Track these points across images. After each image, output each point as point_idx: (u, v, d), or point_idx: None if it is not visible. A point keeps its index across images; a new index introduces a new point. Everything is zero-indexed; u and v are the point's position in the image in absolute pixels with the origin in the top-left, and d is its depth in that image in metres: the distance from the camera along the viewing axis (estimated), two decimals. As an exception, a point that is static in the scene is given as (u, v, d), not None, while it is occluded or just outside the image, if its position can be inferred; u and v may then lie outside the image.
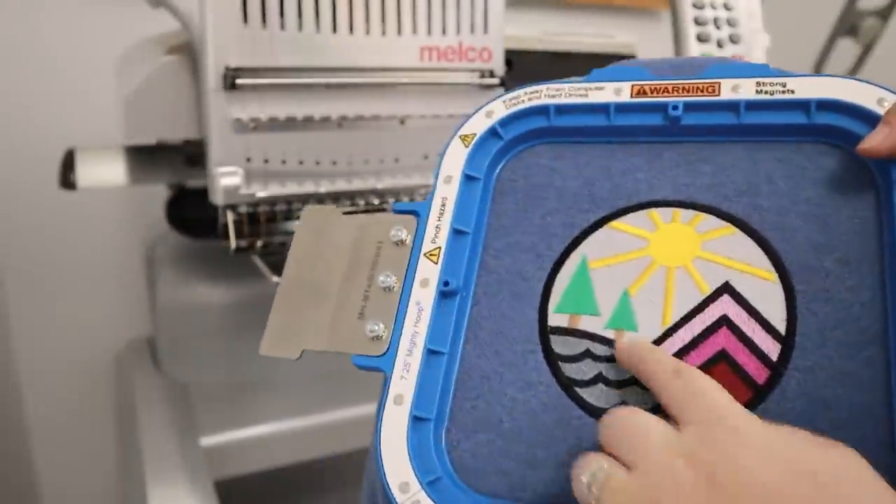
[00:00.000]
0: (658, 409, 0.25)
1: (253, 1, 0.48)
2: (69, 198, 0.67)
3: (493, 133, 0.32)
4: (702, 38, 0.65)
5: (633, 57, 0.68)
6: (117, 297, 0.88)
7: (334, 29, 0.50)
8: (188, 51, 0.50)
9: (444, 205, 0.31)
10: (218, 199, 0.50)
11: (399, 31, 0.52)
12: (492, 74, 0.56)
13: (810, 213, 0.27)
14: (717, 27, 0.66)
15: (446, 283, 0.29)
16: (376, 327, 0.28)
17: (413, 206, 0.31)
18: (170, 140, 0.58)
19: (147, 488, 0.51)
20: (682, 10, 0.65)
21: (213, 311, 0.68)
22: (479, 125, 0.32)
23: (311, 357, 0.29)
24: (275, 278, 0.54)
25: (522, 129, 0.32)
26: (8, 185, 0.80)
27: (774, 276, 0.26)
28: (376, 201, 0.56)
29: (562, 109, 0.32)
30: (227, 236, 0.52)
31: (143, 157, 0.59)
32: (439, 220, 0.30)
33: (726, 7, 0.67)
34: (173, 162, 0.60)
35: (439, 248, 0.30)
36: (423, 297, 0.29)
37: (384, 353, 0.28)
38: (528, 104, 0.32)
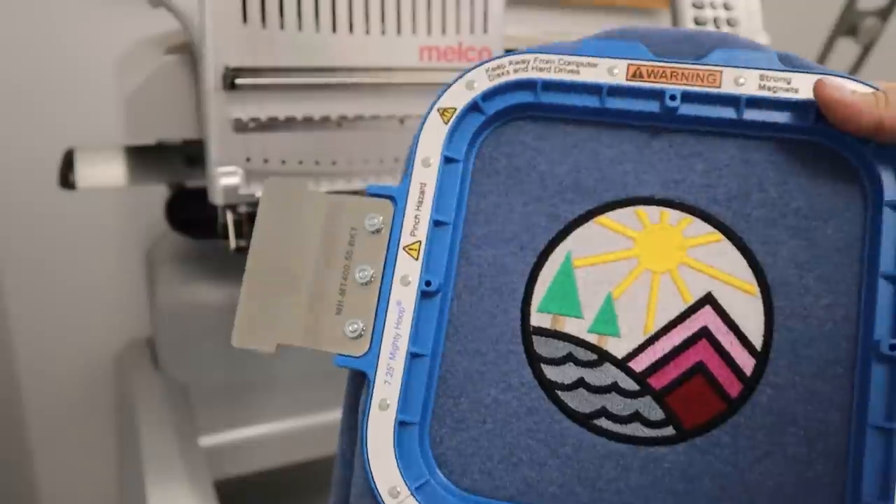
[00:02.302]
0: (634, 417, 0.26)
1: (252, 1, 0.48)
2: (69, 198, 0.67)
3: (474, 107, 0.30)
4: (702, 38, 0.65)
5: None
6: (117, 297, 0.88)
7: (334, 29, 0.50)
8: (188, 51, 0.50)
9: (422, 192, 0.29)
10: (217, 199, 0.50)
11: (399, 31, 0.52)
12: (492, 74, 0.56)
13: (797, 227, 0.27)
14: (717, 27, 0.66)
15: (428, 283, 0.28)
16: (356, 326, 0.28)
17: (389, 189, 0.29)
18: (169, 140, 0.58)
19: (147, 488, 0.51)
20: (681, 10, 0.65)
21: (213, 311, 0.68)
22: (459, 98, 0.30)
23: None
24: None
25: (506, 104, 0.30)
26: (8, 185, 0.79)
27: (756, 289, 0.26)
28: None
29: (550, 86, 0.29)
30: (226, 236, 0.52)
31: (143, 158, 0.59)
32: (418, 210, 0.29)
33: (726, 7, 0.67)
34: (173, 162, 0.60)
35: (419, 241, 0.28)
36: (404, 296, 0.28)
37: (365, 354, 0.27)
38: (513, 77, 0.30)
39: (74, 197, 0.66)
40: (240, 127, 0.49)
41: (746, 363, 0.26)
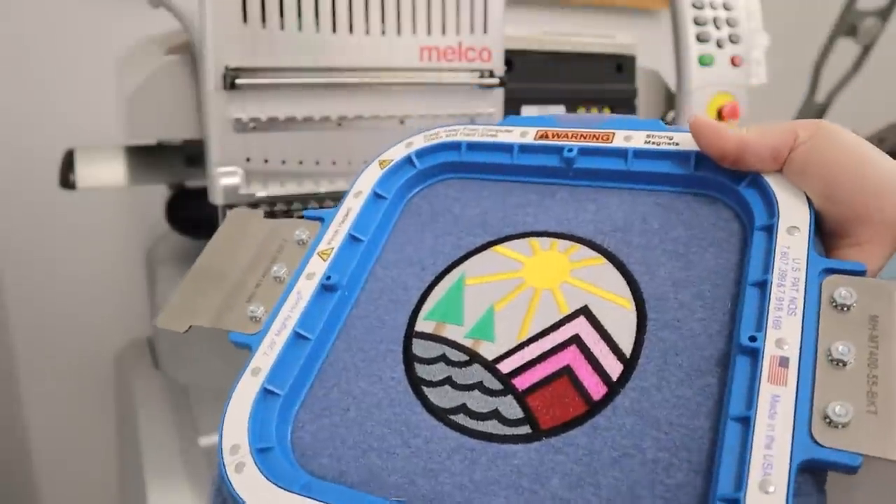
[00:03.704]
0: (493, 415, 0.26)
1: (253, 1, 0.48)
2: (69, 198, 0.68)
3: (408, 161, 0.35)
4: (701, 38, 0.65)
5: (633, 57, 0.68)
6: (117, 297, 0.88)
7: (334, 29, 0.50)
8: (188, 51, 0.50)
9: (347, 214, 0.33)
10: (218, 199, 0.50)
11: (399, 31, 0.52)
12: (492, 74, 0.56)
13: (675, 252, 0.29)
14: (717, 27, 0.66)
15: (329, 277, 0.30)
16: (257, 309, 0.30)
17: (320, 213, 0.33)
18: (170, 140, 0.58)
19: (147, 488, 0.51)
20: (681, 10, 0.66)
21: (213, 311, 0.68)
22: (397, 153, 0.35)
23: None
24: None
25: (435, 162, 0.35)
26: (8, 185, 0.80)
27: (631, 303, 0.27)
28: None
29: (472, 146, 0.35)
30: (226, 236, 0.52)
31: (143, 158, 0.59)
32: (339, 226, 0.32)
33: (726, 7, 0.67)
34: (173, 162, 0.60)
35: (332, 248, 0.31)
36: (305, 288, 0.30)
37: (257, 333, 0.29)
38: (444, 139, 0.35)
39: (75, 197, 0.66)
40: (240, 127, 0.49)
41: (614, 368, 0.26)
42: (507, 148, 0.34)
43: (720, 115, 0.66)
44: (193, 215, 0.65)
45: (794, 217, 0.27)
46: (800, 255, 0.25)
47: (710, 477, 0.22)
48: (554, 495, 0.23)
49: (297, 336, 0.29)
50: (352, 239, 0.32)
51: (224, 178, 0.50)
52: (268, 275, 0.32)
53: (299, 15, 0.49)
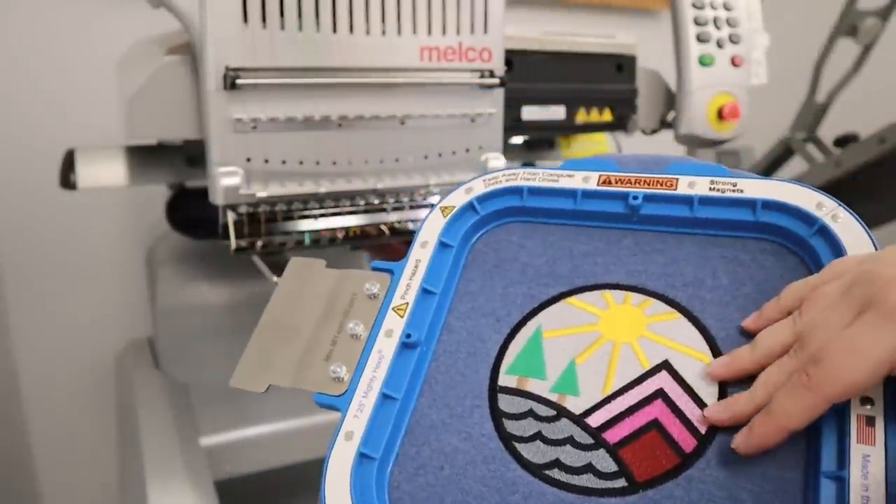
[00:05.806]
0: (587, 469, 0.27)
1: (253, 1, 0.48)
2: (69, 198, 0.68)
3: (470, 207, 0.35)
4: (702, 38, 0.65)
5: (633, 57, 0.68)
6: (118, 297, 0.88)
7: (334, 29, 0.50)
8: (189, 51, 0.50)
9: (416, 266, 0.33)
10: (218, 199, 0.50)
11: (399, 31, 0.52)
12: (492, 74, 0.56)
13: (747, 306, 0.29)
14: (717, 27, 0.66)
15: (408, 336, 0.31)
16: (339, 370, 0.30)
17: (389, 265, 0.34)
18: (170, 140, 0.58)
19: (147, 488, 0.51)
20: (681, 10, 0.65)
21: (213, 311, 0.68)
22: (458, 199, 0.36)
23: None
24: (274, 279, 0.55)
25: (497, 207, 0.35)
26: (8, 185, 0.80)
27: (710, 358, 0.28)
28: (376, 201, 0.56)
29: (534, 191, 0.35)
30: (227, 236, 0.52)
31: (144, 158, 0.59)
32: (411, 279, 0.33)
33: (726, 7, 0.67)
34: (174, 162, 0.60)
35: (407, 303, 0.32)
36: (386, 346, 0.31)
37: (342, 394, 0.30)
38: (504, 184, 0.35)
39: (75, 197, 0.66)
40: (240, 127, 0.49)
41: (701, 422, 0.26)
42: (570, 193, 0.34)
43: (720, 115, 0.66)
44: (194, 215, 0.65)
45: None
46: None
47: None
48: None
49: (384, 397, 0.29)
50: (424, 292, 0.32)
51: (224, 178, 0.50)
52: (343, 331, 0.32)
53: (300, 15, 0.49)
